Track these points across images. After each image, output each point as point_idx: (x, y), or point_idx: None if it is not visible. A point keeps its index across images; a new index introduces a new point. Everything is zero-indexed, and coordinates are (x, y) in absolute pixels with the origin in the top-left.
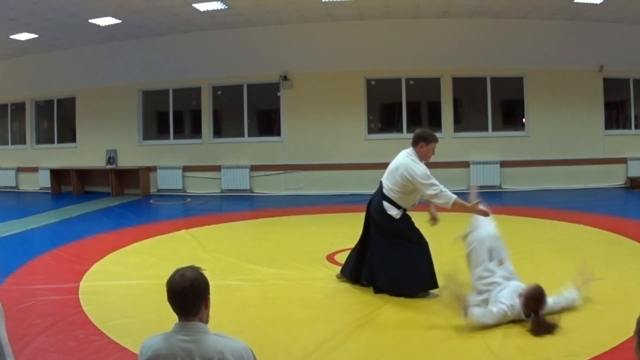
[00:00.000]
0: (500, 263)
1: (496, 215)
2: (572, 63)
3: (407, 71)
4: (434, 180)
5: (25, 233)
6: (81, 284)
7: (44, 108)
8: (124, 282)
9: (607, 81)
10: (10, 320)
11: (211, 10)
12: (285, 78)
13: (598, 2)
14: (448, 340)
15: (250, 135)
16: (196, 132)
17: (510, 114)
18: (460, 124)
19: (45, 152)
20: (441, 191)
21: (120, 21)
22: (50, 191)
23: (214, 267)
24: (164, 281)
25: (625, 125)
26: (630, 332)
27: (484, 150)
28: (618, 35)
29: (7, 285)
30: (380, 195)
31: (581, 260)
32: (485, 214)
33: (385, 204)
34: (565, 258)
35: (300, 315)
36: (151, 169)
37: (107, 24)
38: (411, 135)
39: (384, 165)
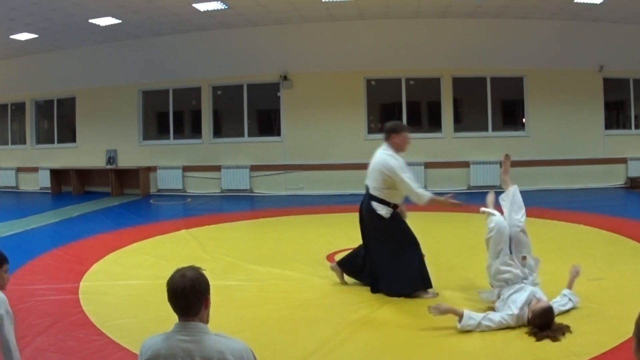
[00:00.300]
0: (523, 259)
1: None
2: (572, 63)
3: (407, 71)
4: (408, 175)
5: (25, 233)
6: (81, 284)
7: (44, 108)
8: (124, 282)
9: (607, 81)
10: None
11: (211, 10)
12: (285, 78)
13: (598, 2)
14: (448, 340)
15: (250, 135)
16: (196, 132)
17: (510, 114)
18: (460, 124)
19: (45, 152)
20: (416, 189)
21: (120, 21)
22: (50, 191)
23: (214, 267)
24: (164, 281)
25: (625, 125)
26: (630, 332)
27: (484, 150)
28: (618, 35)
29: (8, 285)
30: (367, 196)
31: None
32: (458, 205)
33: (374, 203)
34: (565, 258)
35: (300, 315)
36: (151, 169)
37: (107, 24)
38: (412, 136)
39: None
